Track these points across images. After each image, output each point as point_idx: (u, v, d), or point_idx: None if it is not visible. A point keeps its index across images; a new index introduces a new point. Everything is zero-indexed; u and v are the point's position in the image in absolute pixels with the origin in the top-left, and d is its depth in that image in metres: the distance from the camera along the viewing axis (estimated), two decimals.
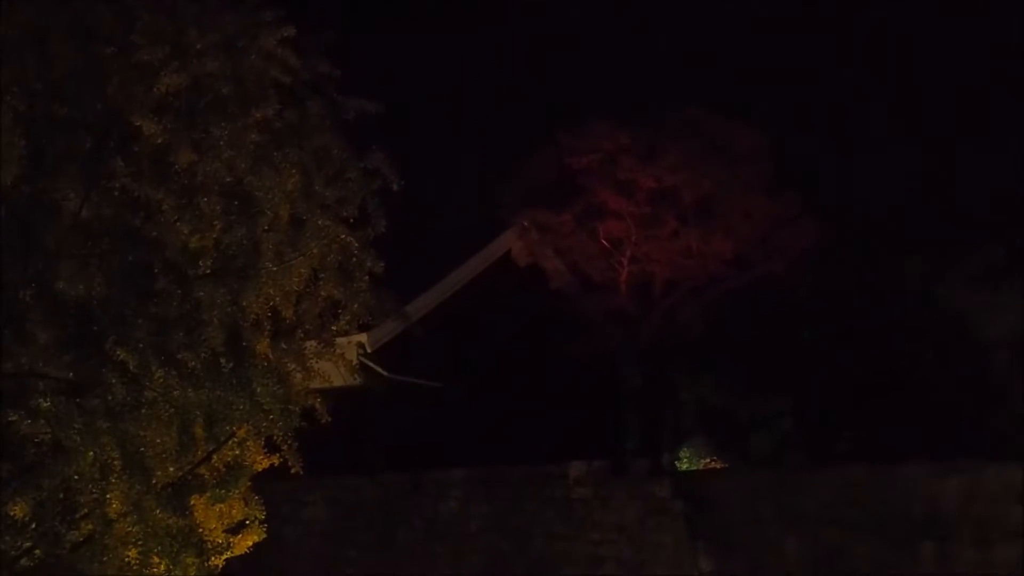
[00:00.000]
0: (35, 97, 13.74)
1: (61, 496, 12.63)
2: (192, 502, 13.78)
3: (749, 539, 23.55)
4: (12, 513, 12.41)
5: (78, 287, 13.02)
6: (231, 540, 15.13)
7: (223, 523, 15.07)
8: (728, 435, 32.34)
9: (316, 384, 15.66)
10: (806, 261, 29.67)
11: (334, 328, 15.85)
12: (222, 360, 13.77)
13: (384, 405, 29.04)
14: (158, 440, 13.30)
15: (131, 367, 12.99)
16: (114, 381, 12.78)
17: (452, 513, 25.51)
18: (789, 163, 30.46)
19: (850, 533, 22.96)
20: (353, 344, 26.30)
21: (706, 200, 29.86)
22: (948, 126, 37.73)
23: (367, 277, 15.74)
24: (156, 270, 13.54)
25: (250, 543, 15.63)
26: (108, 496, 12.94)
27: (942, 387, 27.70)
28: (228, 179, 14.35)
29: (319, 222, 15.13)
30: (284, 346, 15.19)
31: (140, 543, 13.15)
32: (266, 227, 14.63)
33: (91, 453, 12.63)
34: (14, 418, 12.43)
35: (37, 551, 12.53)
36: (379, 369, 28.59)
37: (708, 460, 32.55)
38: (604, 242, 30.66)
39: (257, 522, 15.55)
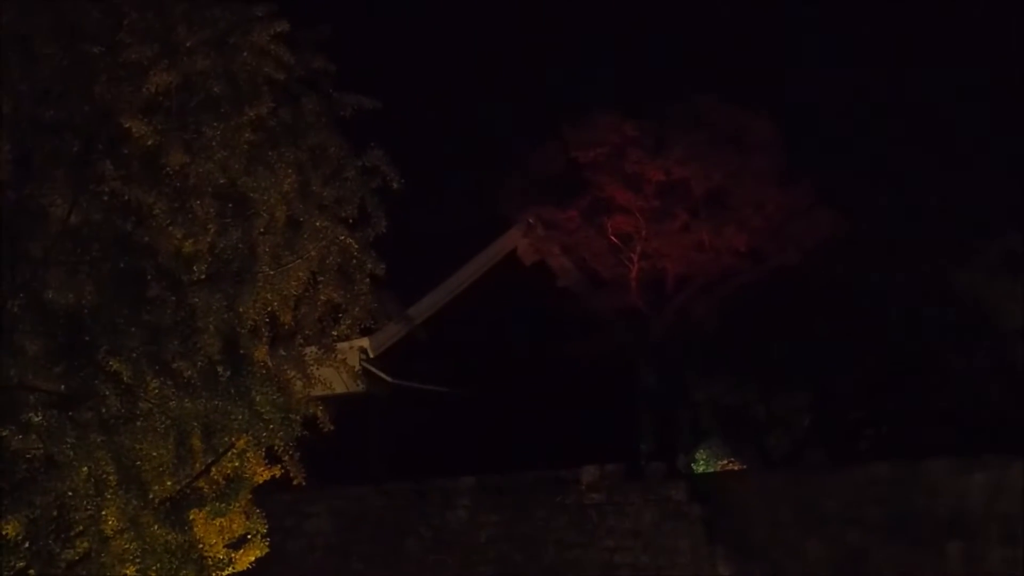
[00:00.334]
0: (20, 99, 13.73)
1: (55, 513, 12.67)
2: (191, 517, 13.78)
3: (769, 542, 23.51)
4: (4, 532, 12.41)
5: (68, 296, 13.03)
6: (232, 556, 15.14)
7: (224, 538, 15.06)
8: (745, 435, 32.29)
9: (317, 391, 15.69)
10: (822, 252, 29.59)
11: (335, 333, 15.86)
12: (219, 368, 13.77)
13: (388, 411, 29.05)
14: (154, 453, 13.32)
15: (125, 378, 13.01)
16: (107, 393, 12.79)
17: (460, 522, 25.48)
18: (803, 152, 30.42)
19: (873, 534, 22.92)
20: (355, 349, 26.33)
21: (717, 192, 29.82)
22: (966, 111, 37.82)
23: (368, 279, 15.77)
24: (149, 276, 13.55)
25: (252, 558, 15.62)
26: (104, 512, 12.95)
27: (964, 380, 27.64)
28: (222, 180, 14.35)
29: (317, 223, 15.15)
30: (283, 352, 15.22)
31: (138, 560, 13.17)
32: (262, 229, 14.64)
33: (85, 468, 12.64)
34: (5, 433, 12.43)
35: (31, 571, 12.54)
36: (382, 374, 28.61)
37: (725, 461, 32.51)
38: (612, 238, 30.60)
39: (259, 536, 15.56)
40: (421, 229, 31.18)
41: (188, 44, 14.32)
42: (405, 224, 16.88)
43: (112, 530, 13.06)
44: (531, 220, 31.95)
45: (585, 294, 32.31)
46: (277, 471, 15.48)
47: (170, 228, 13.95)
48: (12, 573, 12.46)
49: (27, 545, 12.47)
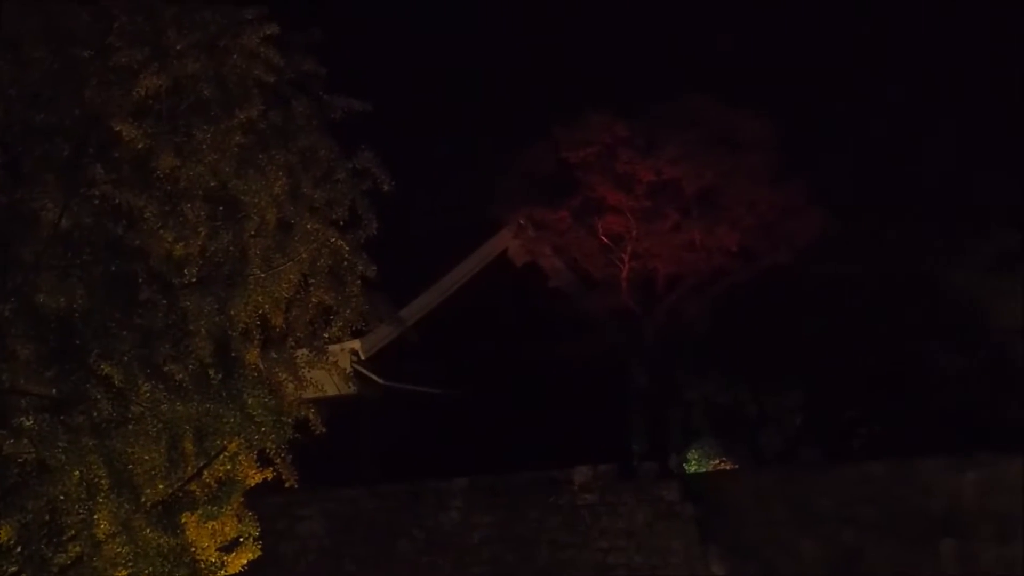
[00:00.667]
0: (9, 103, 13.74)
1: (47, 518, 12.67)
2: (183, 520, 13.75)
3: (762, 541, 23.54)
4: None
5: (59, 300, 13.04)
6: (225, 559, 15.09)
7: (216, 541, 15.03)
8: (738, 434, 32.38)
9: (309, 394, 15.68)
10: (814, 251, 29.65)
11: (326, 335, 15.87)
12: (211, 372, 13.80)
13: (380, 413, 29.06)
14: (146, 457, 13.31)
15: (116, 381, 13.02)
16: (99, 396, 12.80)
17: (453, 523, 25.49)
18: (795, 151, 30.47)
19: (867, 532, 22.96)
20: (346, 351, 26.32)
21: (708, 191, 29.87)
22: (959, 111, 37.88)
23: (359, 281, 15.79)
24: (140, 280, 13.58)
25: (245, 561, 15.58)
26: (96, 516, 12.94)
27: (957, 378, 27.73)
28: (212, 183, 14.38)
29: (308, 225, 15.17)
30: (275, 355, 15.24)
31: (130, 564, 13.14)
32: (253, 232, 14.66)
33: (77, 472, 12.66)
34: None
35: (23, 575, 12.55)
36: (374, 376, 28.63)
37: (718, 461, 32.60)
38: (603, 238, 30.63)
39: (252, 539, 15.51)
40: (412, 230, 31.22)
41: (178, 47, 14.34)
42: (396, 226, 16.90)
43: (104, 534, 13.05)
44: (522, 221, 31.97)
45: (576, 295, 32.38)
46: (269, 474, 15.46)
47: (161, 231, 13.95)
48: None
49: (19, 550, 12.46)
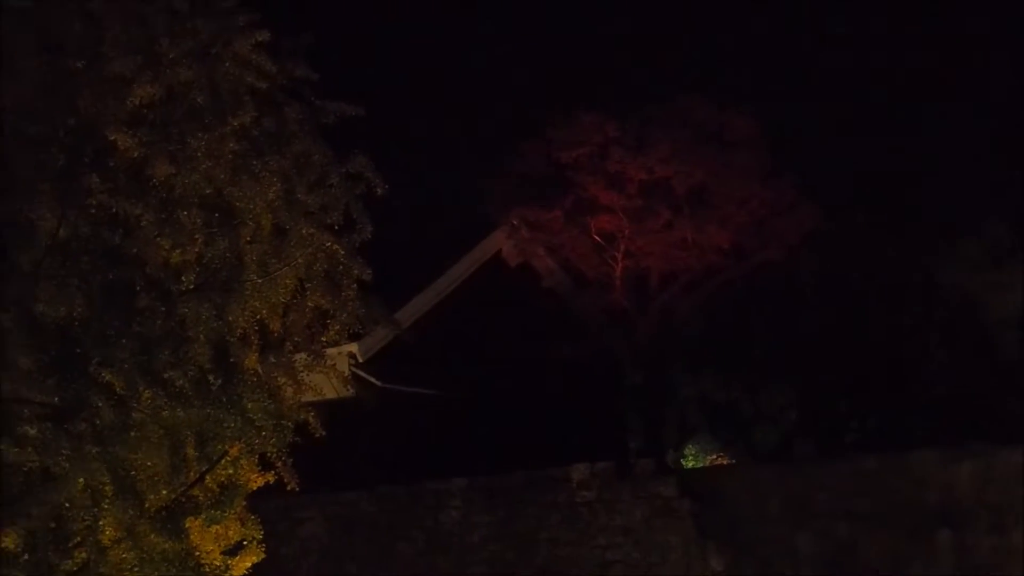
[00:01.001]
0: (3, 114, 13.77)
1: (52, 524, 12.71)
2: (187, 525, 13.87)
3: (759, 536, 23.60)
4: (3, 544, 12.46)
5: (58, 309, 13.09)
6: (229, 562, 15.17)
7: (220, 545, 15.10)
8: (733, 430, 32.39)
9: (308, 397, 15.74)
10: (805, 248, 29.74)
11: (323, 339, 15.94)
12: (210, 377, 13.89)
13: (379, 415, 29.09)
14: (149, 463, 13.40)
15: (117, 389, 13.10)
16: (100, 404, 12.89)
17: (453, 523, 25.54)
18: (786, 147, 30.59)
19: (863, 526, 23.02)
20: (344, 354, 26.41)
21: (699, 189, 29.93)
22: (947, 108, 38.06)
23: (355, 285, 15.86)
24: (138, 288, 13.65)
25: (249, 564, 15.67)
26: (101, 523, 13.06)
27: (950, 371, 27.80)
28: (208, 191, 14.45)
29: (303, 230, 15.23)
30: (273, 360, 15.30)
31: (136, 569, 13.26)
32: (249, 238, 14.74)
33: (81, 479, 12.75)
34: (1, 447, 12.45)
35: None
36: (371, 379, 28.69)
37: (714, 456, 32.63)
38: (596, 237, 30.69)
39: (255, 542, 15.60)
40: (406, 233, 31.25)
41: (171, 56, 14.41)
42: (390, 228, 16.95)
43: (109, 540, 13.15)
44: (515, 221, 32.00)
45: (570, 294, 32.43)
46: (271, 477, 15.56)
47: (158, 239, 14.03)
48: None
49: (26, 557, 12.54)
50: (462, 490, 25.70)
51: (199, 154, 14.27)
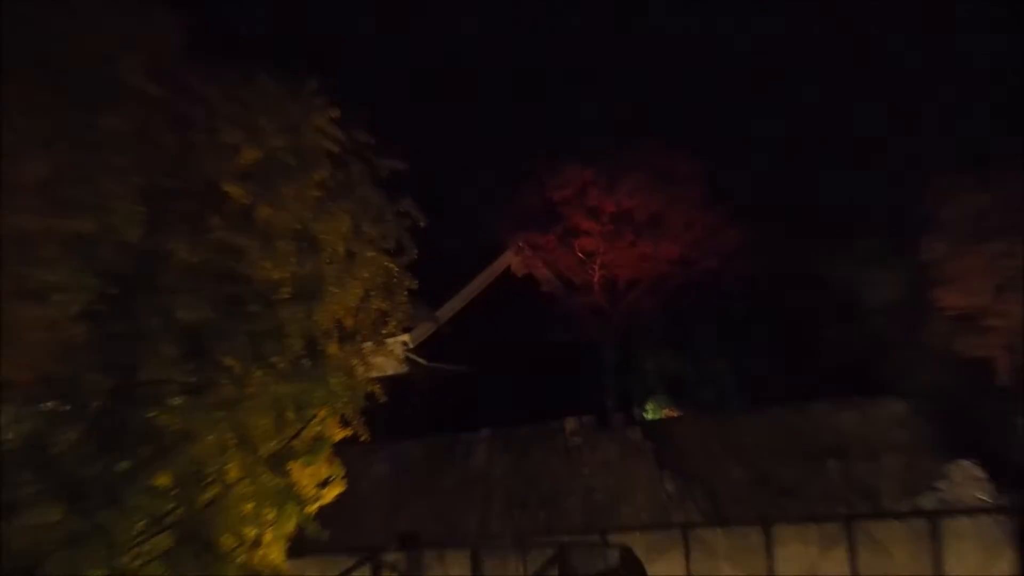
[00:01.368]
0: (150, 175, 13.80)
1: (193, 469, 12.79)
2: (290, 467, 13.89)
3: (703, 468, 23.72)
4: (159, 483, 12.55)
5: (192, 314, 13.10)
6: (320, 493, 15.14)
7: (314, 480, 15.06)
8: (682, 391, 32.37)
9: (374, 374, 15.72)
10: (735, 257, 29.71)
11: (384, 332, 15.85)
12: (303, 361, 13.90)
13: (425, 386, 29.16)
14: (260, 423, 13.40)
15: (236, 371, 13.15)
16: (224, 382, 12.95)
17: (480, 463, 25.61)
18: (720, 182, 30.55)
19: (777, 458, 23.16)
20: (399, 342, 26.48)
21: (656, 216, 29.85)
22: (840, 149, 37.96)
23: (406, 292, 15.83)
24: (248, 298, 13.62)
25: (335, 494, 15.64)
26: (227, 467, 13.09)
27: (840, 345, 27.77)
28: (297, 226, 14.40)
29: (367, 254, 15.20)
30: (348, 347, 15.23)
31: (254, 499, 13.31)
32: (328, 260, 14.68)
33: (211, 436, 12.79)
34: (154, 413, 12.57)
35: (179, 510, 12.71)
36: (420, 360, 28.74)
37: (668, 410, 32.63)
38: (580, 254, 30.70)
39: (339, 478, 15.54)
40: (441, 254, 31.29)
41: (268, 129, 14.40)
42: (430, 251, 16.97)
43: (234, 479, 13.18)
44: (520, 244, 32.10)
45: (562, 296, 32.44)
46: (349, 431, 15.52)
47: (262, 262, 14.01)
48: (165, 512, 12.55)
49: (175, 491, 12.63)
50: (486, 439, 25.79)
51: (290, 200, 14.24)
